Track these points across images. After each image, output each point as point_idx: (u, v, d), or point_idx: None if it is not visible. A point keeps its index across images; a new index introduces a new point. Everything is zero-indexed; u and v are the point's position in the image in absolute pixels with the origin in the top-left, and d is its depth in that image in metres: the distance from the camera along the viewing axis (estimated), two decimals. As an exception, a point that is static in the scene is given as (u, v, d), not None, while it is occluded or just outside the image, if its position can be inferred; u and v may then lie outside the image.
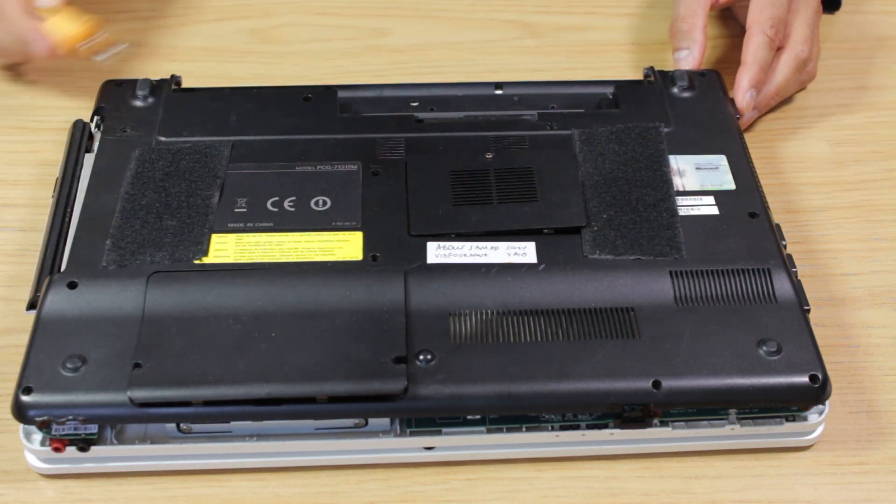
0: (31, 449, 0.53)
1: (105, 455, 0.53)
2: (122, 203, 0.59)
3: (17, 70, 0.75)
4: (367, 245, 0.58)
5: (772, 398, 0.53)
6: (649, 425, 0.54)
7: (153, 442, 0.53)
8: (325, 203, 0.60)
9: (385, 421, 0.54)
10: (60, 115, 0.70)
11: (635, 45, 0.79)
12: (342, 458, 0.54)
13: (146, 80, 0.67)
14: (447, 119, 0.67)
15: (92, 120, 0.66)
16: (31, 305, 0.55)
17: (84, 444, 0.52)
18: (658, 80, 0.69)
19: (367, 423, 0.53)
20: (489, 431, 0.54)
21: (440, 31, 0.80)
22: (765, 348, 0.54)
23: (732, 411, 0.54)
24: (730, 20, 0.79)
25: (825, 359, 0.54)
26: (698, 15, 0.71)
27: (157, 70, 0.72)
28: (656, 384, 0.52)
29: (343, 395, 0.51)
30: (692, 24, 0.71)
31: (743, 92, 0.69)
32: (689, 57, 0.71)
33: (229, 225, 0.59)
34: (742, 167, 0.63)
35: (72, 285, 0.55)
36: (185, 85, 0.69)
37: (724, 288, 0.56)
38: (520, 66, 0.77)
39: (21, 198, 0.67)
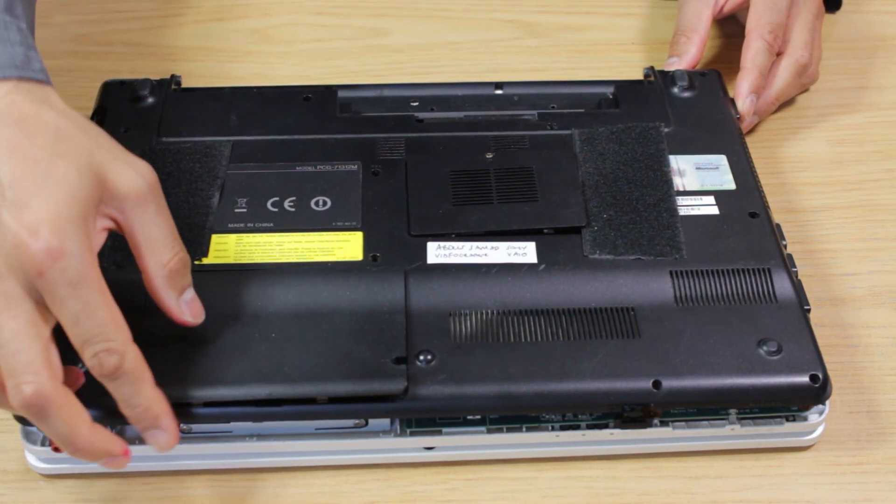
0: (32, 449, 0.53)
1: (105, 455, 0.53)
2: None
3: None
4: (367, 245, 0.58)
5: (772, 398, 0.53)
6: (649, 425, 0.54)
7: (153, 442, 0.53)
8: (325, 203, 0.60)
9: (385, 421, 0.53)
10: (60, 115, 0.70)
11: (635, 45, 0.79)
12: (342, 458, 0.54)
13: (146, 80, 0.67)
14: (447, 119, 0.67)
15: (92, 119, 0.66)
16: (31, 305, 0.55)
17: (84, 444, 0.52)
18: (658, 80, 0.69)
19: (367, 424, 0.53)
20: (489, 431, 0.54)
21: (440, 31, 0.80)
22: (765, 348, 0.54)
23: (732, 411, 0.54)
24: (731, 21, 0.79)
25: (825, 359, 0.54)
26: (697, 31, 0.72)
27: (157, 70, 0.71)
28: (656, 384, 0.52)
29: (343, 396, 0.51)
30: (689, 38, 0.72)
31: (743, 97, 0.69)
32: (678, 64, 0.71)
33: (229, 225, 0.59)
34: (742, 167, 0.63)
35: (72, 285, 0.55)
36: (185, 85, 0.69)
37: (724, 288, 0.56)
38: (520, 66, 0.77)
39: (21, 198, 0.66)
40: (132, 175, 0.49)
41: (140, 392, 0.48)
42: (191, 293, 0.51)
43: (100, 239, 0.49)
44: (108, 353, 0.46)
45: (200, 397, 0.51)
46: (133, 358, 0.47)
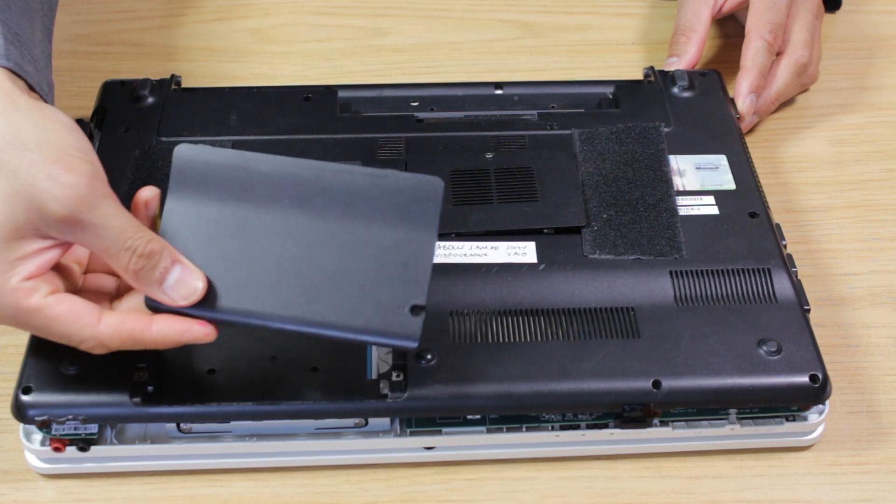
0: (32, 449, 0.53)
1: (105, 455, 0.53)
2: (123, 203, 0.59)
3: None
4: (368, 245, 0.58)
5: (772, 398, 0.53)
6: (649, 425, 0.54)
7: (153, 442, 0.53)
8: (325, 203, 0.60)
9: (385, 421, 0.53)
10: (60, 115, 0.70)
11: (635, 45, 0.79)
12: (342, 458, 0.54)
13: (146, 80, 0.67)
14: (447, 119, 0.67)
15: (92, 120, 0.66)
16: (32, 305, 0.55)
17: (84, 444, 0.52)
18: (658, 80, 0.69)
19: (367, 423, 0.53)
20: (489, 431, 0.54)
21: (440, 31, 0.80)
22: (765, 348, 0.54)
23: (732, 411, 0.54)
24: (730, 21, 0.79)
25: (825, 359, 0.54)
26: (697, 31, 0.72)
27: (157, 70, 0.71)
28: (656, 384, 0.52)
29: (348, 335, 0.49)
30: (689, 38, 0.72)
31: (743, 97, 0.69)
32: (677, 64, 0.71)
33: (229, 225, 0.59)
34: (742, 167, 0.63)
35: (72, 285, 0.55)
36: (185, 85, 0.69)
37: (724, 288, 0.56)
38: (520, 66, 0.77)
39: (21, 198, 0.66)
40: (58, 195, 0.47)
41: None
42: (173, 277, 0.49)
43: (47, 258, 0.48)
44: None
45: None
46: None
